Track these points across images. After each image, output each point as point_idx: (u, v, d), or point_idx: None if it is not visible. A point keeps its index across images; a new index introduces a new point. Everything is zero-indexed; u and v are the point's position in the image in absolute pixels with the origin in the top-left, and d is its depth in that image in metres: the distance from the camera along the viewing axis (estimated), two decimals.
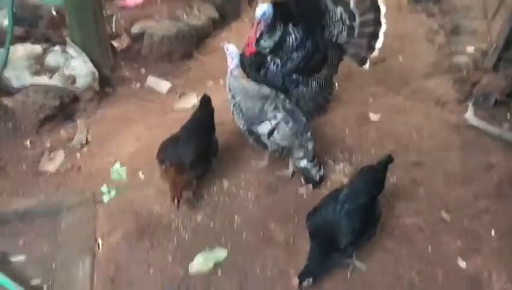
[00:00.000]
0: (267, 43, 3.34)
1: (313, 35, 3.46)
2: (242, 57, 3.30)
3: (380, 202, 2.87)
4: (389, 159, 2.87)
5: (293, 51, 3.36)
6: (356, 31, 3.62)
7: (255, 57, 3.33)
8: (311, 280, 2.57)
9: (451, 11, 5.76)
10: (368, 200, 2.69)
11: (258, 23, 3.24)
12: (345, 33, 3.63)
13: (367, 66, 3.73)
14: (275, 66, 3.35)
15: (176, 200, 2.91)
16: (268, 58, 3.35)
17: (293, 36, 3.35)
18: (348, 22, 3.61)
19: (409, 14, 5.94)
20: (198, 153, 3.05)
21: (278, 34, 3.34)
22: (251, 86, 3.16)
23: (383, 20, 3.57)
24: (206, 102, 3.35)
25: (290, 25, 3.35)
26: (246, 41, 3.37)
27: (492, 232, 2.97)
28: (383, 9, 3.56)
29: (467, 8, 5.70)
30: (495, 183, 3.33)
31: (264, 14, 3.19)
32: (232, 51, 3.01)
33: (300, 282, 2.54)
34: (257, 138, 3.16)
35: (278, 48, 3.35)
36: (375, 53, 3.65)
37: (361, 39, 3.64)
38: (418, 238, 2.96)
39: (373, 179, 2.79)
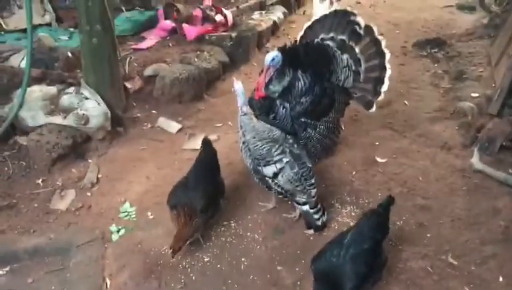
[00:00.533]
0: (276, 88, 3.45)
1: (321, 80, 3.57)
2: (251, 100, 3.39)
3: (385, 247, 2.87)
4: (389, 201, 2.88)
5: (301, 96, 3.46)
6: (362, 76, 3.75)
7: (264, 101, 3.42)
8: None
9: (455, 57, 5.93)
10: (372, 245, 2.69)
11: (268, 69, 3.36)
12: (351, 78, 3.75)
13: (373, 109, 3.82)
14: (283, 110, 3.44)
15: (172, 251, 2.93)
16: (278, 102, 3.45)
17: (302, 81, 3.46)
18: (354, 68, 3.74)
19: (414, 60, 6.11)
20: (208, 197, 3.10)
21: (287, 79, 3.45)
22: (262, 126, 3.20)
23: (387, 65, 3.69)
24: (207, 145, 3.40)
25: (299, 70, 3.47)
26: (256, 85, 3.47)
27: (500, 278, 2.94)
28: (387, 55, 3.69)
29: (471, 54, 5.87)
30: (502, 228, 3.31)
31: (273, 60, 3.32)
32: (237, 89, 3.07)
33: None
34: (262, 178, 3.21)
35: (286, 93, 3.45)
36: (381, 97, 3.75)
37: (367, 84, 3.76)
38: (425, 283, 2.93)
39: (377, 222, 2.80)
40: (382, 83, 3.71)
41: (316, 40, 3.84)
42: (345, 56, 3.73)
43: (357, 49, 3.74)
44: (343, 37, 3.77)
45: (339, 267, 2.60)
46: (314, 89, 3.49)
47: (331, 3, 5.60)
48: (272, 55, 3.32)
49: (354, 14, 3.75)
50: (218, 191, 3.30)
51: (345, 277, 2.58)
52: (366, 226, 2.77)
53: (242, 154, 3.30)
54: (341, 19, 3.80)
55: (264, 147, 3.12)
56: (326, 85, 3.61)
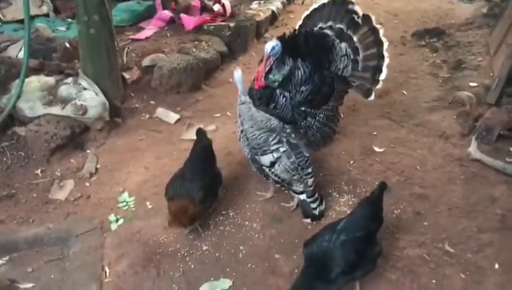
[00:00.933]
0: (276, 77, 3.46)
1: (321, 69, 3.58)
2: (251, 90, 3.40)
3: (381, 239, 2.88)
4: (382, 188, 2.88)
5: (301, 84, 3.47)
6: (360, 65, 3.74)
7: (264, 91, 3.43)
8: None
9: (454, 46, 5.90)
10: (365, 233, 2.70)
11: (268, 58, 3.37)
12: (349, 67, 3.75)
13: (372, 97, 3.82)
14: (283, 99, 3.45)
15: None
16: (278, 91, 3.45)
17: (302, 70, 3.47)
18: (352, 57, 3.75)
19: (412, 49, 6.09)
20: (206, 187, 3.11)
21: (286, 68, 3.47)
22: (260, 116, 3.20)
23: (385, 54, 3.70)
24: (201, 135, 3.42)
25: (299, 59, 3.48)
26: (255, 75, 3.48)
27: (496, 266, 2.97)
28: (385, 44, 3.69)
29: (470, 44, 5.85)
30: (499, 216, 3.34)
31: (273, 49, 3.32)
32: (236, 77, 3.06)
33: None
34: (260, 167, 3.22)
35: (286, 82, 3.46)
36: (379, 85, 3.76)
37: (365, 73, 3.76)
38: (422, 271, 2.96)
39: (371, 212, 2.80)
40: (380, 71, 3.71)
41: (314, 29, 3.84)
42: (344, 45, 3.73)
43: (355, 38, 3.73)
44: (342, 26, 3.76)
45: (329, 251, 2.63)
46: (314, 78, 3.50)
47: None
48: (272, 44, 3.32)
49: (352, 3, 3.75)
50: (215, 181, 3.31)
51: (334, 262, 2.60)
52: (360, 215, 2.79)
53: (240, 144, 3.31)
54: (339, 8, 3.79)
55: (262, 137, 3.13)
56: (326, 74, 3.61)
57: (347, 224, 2.73)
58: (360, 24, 3.72)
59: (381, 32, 3.69)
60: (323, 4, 3.87)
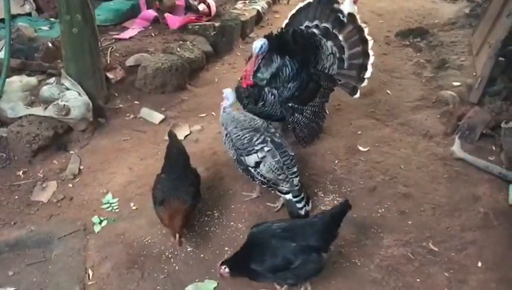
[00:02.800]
0: (264, 75, 3.50)
1: (308, 67, 3.64)
2: (238, 89, 3.41)
3: (323, 260, 2.73)
4: (345, 207, 2.80)
5: (289, 81, 3.53)
6: (346, 63, 3.80)
7: (252, 89, 3.44)
8: (227, 269, 2.66)
9: (438, 46, 5.96)
10: (304, 245, 2.66)
11: (256, 57, 3.40)
12: (335, 65, 3.82)
13: (358, 95, 3.89)
14: (272, 97, 3.49)
15: (178, 237, 2.88)
16: (266, 89, 3.49)
17: (289, 67, 3.52)
18: (338, 55, 3.80)
19: (397, 49, 6.13)
20: (194, 186, 3.10)
21: (274, 65, 3.51)
22: (242, 116, 3.25)
23: (370, 52, 3.75)
24: (173, 137, 3.38)
25: (287, 57, 3.51)
26: (243, 74, 3.50)
27: (479, 264, 3.01)
28: (370, 42, 3.74)
29: (453, 43, 5.91)
30: (481, 215, 3.38)
31: (261, 47, 3.37)
32: (227, 93, 3.18)
33: (220, 267, 2.68)
34: (246, 168, 3.22)
35: (274, 79, 3.51)
36: (365, 83, 3.81)
37: (351, 71, 3.82)
38: (406, 270, 2.98)
39: (324, 226, 2.72)
40: (366, 69, 3.77)
41: (301, 27, 3.88)
42: (330, 43, 3.78)
43: (340, 37, 3.78)
44: (327, 25, 3.81)
45: (264, 245, 2.67)
46: (302, 75, 3.55)
47: None
48: (260, 43, 3.37)
49: (337, 2, 3.79)
50: (198, 179, 3.26)
51: (259, 257, 2.64)
52: (310, 225, 2.75)
53: (226, 147, 3.32)
54: (324, 7, 3.84)
55: (246, 137, 3.14)
56: (313, 71, 3.66)
57: (293, 229, 2.73)
58: (345, 23, 3.76)
59: (366, 30, 3.74)
60: (309, 3, 3.92)
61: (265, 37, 3.48)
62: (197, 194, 3.16)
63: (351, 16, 3.76)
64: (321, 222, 2.73)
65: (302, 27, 3.90)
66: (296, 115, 3.66)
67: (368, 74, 3.77)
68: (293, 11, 4.05)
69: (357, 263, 3.01)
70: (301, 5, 4.01)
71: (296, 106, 3.63)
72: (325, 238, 2.72)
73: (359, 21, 3.76)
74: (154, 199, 3.05)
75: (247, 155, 3.14)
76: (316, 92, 3.75)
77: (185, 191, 3.00)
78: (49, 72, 4.43)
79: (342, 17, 3.77)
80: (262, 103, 3.51)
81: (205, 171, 3.74)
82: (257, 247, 2.70)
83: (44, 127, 3.90)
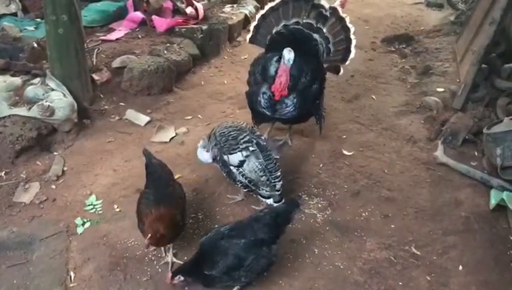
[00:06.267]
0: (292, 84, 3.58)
1: (319, 61, 3.89)
2: (270, 101, 3.54)
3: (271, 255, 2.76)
4: (293, 204, 2.87)
5: (312, 84, 3.73)
6: (332, 50, 3.96)
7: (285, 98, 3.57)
8: (181, 277, 2.67)
9: (422, 52, 6.04)
10: (252, 241, 2.68)
11: (289, 68, 3.46)
12: (324, 54, 3.95)
13: (341, 72, 4.17)
14: (294, 99, 3.59)
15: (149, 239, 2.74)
16: (292, 96, 3.59)
17: (306, 72, 3.70)
18: (324, 45, 3.94)
19: (382, 55, 6.19)
20: (178, 191, 3.08)
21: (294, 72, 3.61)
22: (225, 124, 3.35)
23: (352, 36, 3.94)
24: (149, 156, 3.22)
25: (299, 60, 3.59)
26: (276, 87, 3.51)
27: (460, 267, 3.04)
28: (352, 29, 3.93)
29: (438, 50, 6.00)
30: (463, 219, 3.42)
31: (293, 60, 3.43)
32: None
33: (172, 277, 2.67)
34: (229, 171, 3.22)
35: (298, 84, 3.66)
36: (347, 62, 4.01)
37: (336, 56, 3.99)
38: (388, 273, 3.00)
39: (270, 221, 2.75)
40: (349, 52, 3.95)
41: (279, 27, 3.98)
42: (316, 36, 3.91)
43: (324, 30, 3.91)
44: (310, 21, 3.92)
45: (214, 248, 2.68)
46: (317, 72, 3.80)
47: None
48: (292, 54, 3.41)
49: None
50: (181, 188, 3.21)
51: (211, 260, 2.65)
52: (255, 222, 2.77)
53: (211, 147, 3.33)
54: (304, 4, 3.94)
55: (231, 134, 3.18)
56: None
57: (240, 227, 2.75)
58: (328, 17, 3.90)
59: (347, 19, 3.92)
60: (282, 1, 3.98)
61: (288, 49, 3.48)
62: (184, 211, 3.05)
63: (333, 9, 3.91)
64: (267, 216, 2.78)
65: (279, 27, 3.97)
66: (320, 109, 3.90)
67: (351, 56, 3.96)
68: (262, 12, 4.09)
69: (340, 266, 3.03)
70: (272, 4, 4.04)
71: (318, 101, 3.83)
72: (273, 231, 2.76)
73: (341, 12, 3.93)
74: (139, 209, 2.91)
75: (231, 154, 3.15)
76: (324, 82, 3.95)
77: (171, 197, 2.93)
78: (34, 73, 4.39)
79: (324, 12, 3.90)
80: (294, 108, 3.59)
81: (190, 173, 3.74)
82: (208, 252, 2.69)
83: (28, 127, 3.86)
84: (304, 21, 3.93)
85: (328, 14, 3.90)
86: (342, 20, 3.92)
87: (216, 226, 2.86)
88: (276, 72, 3.55)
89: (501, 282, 2.95)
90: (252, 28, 4.17)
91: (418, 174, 3.88)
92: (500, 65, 4.66)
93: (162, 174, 3.11)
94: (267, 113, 3.66)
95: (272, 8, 4.03)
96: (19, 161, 3.79)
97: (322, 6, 3.92)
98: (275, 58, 3.67)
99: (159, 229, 2.69)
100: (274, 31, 4.00)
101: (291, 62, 3.43)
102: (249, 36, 4.21)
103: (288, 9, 3.97)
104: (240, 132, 3.19)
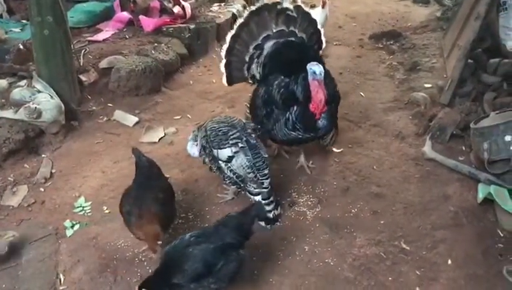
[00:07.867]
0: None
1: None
2: (310, 119, 3.33)
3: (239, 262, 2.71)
4: (253, 212, 2.81)
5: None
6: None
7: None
8: None
9: (410, 49, 6.08)
10: (219, 245, 2.64)
11: (324, 82, 3.27)
12: None
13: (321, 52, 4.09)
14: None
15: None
16: None
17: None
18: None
19: (370, 52, 6.23)
20: (166, 188, 3.08)
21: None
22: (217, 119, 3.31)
23: (319, 26, 4.00)
24: (140, 155, 3.19)
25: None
26: (316, 104, 3.27)
27: (449, 262, 3.06)
28: (317, 20, 4.00)
29: (425, 46, 6.04)
30: (451, 213, 3.44)
31: (322, 72, 3.24)
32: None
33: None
34: (219, 167, 3.21)
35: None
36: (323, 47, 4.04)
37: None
38: (378, 269, 3.01)
39: (237, 225, 2.74)
40: (321, 42, 4.01)
41: (251, 50, 3.84)
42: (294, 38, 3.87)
43: (296, 31, 3.86)
44: (281, 28, 3.83)
45: (181, 256, 2.61)
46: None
47: None
48: (320, 68, 3.22)
49: (279, 3, 3.84)
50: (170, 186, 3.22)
51: (180, 268, 2.57)
52: (222, 226, 2.75)
53: (198, 142, 3.32)
54: (267, 14, 3.80)
55: (221, 130, 3.17)
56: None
57: (207, 233, 2.71)
58: (296, 16, 3.85)
59: (311, 12, 3.95)
60: (241, 25, 3.82)
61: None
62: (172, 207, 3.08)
63: (297, 7, 3.86)
64: (234, 220, 2.76)
65: (258, 40, 3.81)
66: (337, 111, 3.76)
67: (324, 44, 4.02)
68: (233, 32, 3.83)
69: (330, 263, 3.03)
70: (232, 32, 3.83)
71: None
72: (240, 235, 2.73)
73: (305, 8, 3.92)
74: (122, 207, 2.93)
75: (221, 149, 3.14)
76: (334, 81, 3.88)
77: (159, 194, 2.95)
78: (20, 75, 4.35)
79: (291, 13, 3.82)
80: (327, 121, 3.39)
81: (180, 173, 3.74)
82: (175, 261, 2.62)
83: (15, 130, 3.84)
84: (275, 30, 3.80)
85: (295, 14, 3.81)
86: (307, 14, 3.89)
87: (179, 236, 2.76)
88: (304, 90, 3.32)
89: (489, 275, 2.97)
90: (222, 68, 3.93)
91: (407, 170, 3.90)
92: (486, 60, 4.68)
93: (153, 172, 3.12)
94: (299, 135, 3.44)
95: (233, 36, 3.82)
96: (7, 164, 3.76)
97: (288, 9, 3.80)
98: (296, 79, 3.42)
99: (150, 231, 2.73)
100: (247, 57, 3.83)
101: (322, 75, 3.21)
102: (224, 79, 3.98)
103: (252, 29, 3.80)
104: (230, 128, 3.18)
